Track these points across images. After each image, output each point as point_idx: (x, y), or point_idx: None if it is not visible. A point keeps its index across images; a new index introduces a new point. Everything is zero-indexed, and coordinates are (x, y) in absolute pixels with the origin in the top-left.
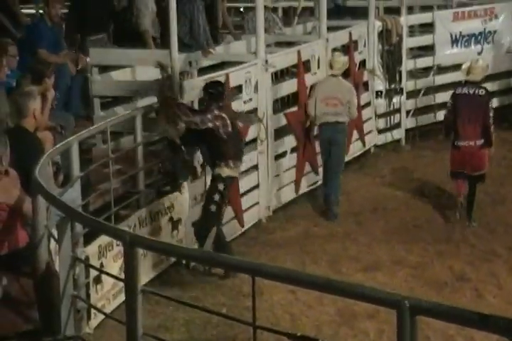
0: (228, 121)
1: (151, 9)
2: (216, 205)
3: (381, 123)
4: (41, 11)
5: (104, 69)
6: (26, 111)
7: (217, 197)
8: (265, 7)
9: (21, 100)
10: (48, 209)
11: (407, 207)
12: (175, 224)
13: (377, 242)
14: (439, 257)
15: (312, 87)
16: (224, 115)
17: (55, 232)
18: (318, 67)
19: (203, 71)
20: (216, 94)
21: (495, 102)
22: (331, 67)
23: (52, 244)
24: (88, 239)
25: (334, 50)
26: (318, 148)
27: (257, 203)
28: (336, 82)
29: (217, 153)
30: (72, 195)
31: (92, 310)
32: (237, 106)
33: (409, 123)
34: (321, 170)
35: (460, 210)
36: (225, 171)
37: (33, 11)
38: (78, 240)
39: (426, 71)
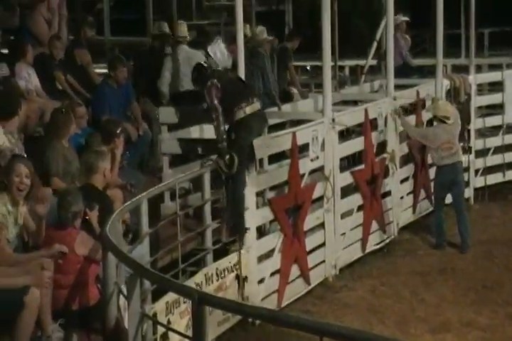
0: (218, 85)
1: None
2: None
3: None
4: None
5: (173, 127)
6: (96, 169)
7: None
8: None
9: (92, 159)
10: (117, 266)
11: (476, 267)
12: (241, 281)
13: (445, 303)
14: (509, 319)
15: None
16: (216, 86)
17: (124, 289)
18: (386, 125)
19: (271, 129)
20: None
21: None
22: (441, 115)
23: (122, 300)
24: (156, 294)
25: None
26: (384, 207)
27: (323, 261)
28: (449, 128)
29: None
30: (141, 252)
31: None
32: (303, 164)
33: (478, 182)
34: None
35: None
36: (237, 115)
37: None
38: (146, 297)
39: (495, 130)
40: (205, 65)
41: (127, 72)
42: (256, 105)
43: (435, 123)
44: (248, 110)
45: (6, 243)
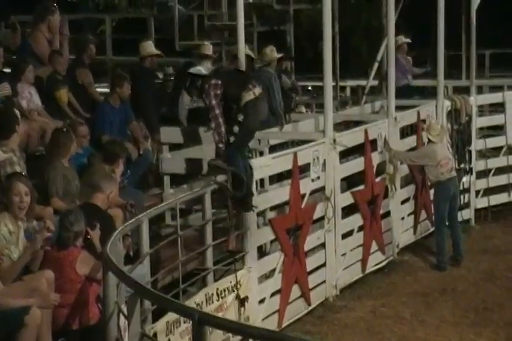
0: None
1: None
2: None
3: None
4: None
5: (174, 146)
6: (101, 189)
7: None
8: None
9: (100, 179)
10: (118, 286)
11: (476, 288)
12: (242, 301)
13: (446, 324)
14: None
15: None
16: (215, 85)
17: (124, 308)
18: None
19: (272, 149)
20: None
21: None
22: (429, 134)
23: (122, 320)
24: (156, 314)
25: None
26: (384, 227)
27: (324, 281)
28: (441, 146)
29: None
30: (142, 272)
31: None
32: (304, 184)
33: (479, 203)
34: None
35: None
36: (247, 97)
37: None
38: (147, 316)
39: (496, 151)
40: (198, 72)
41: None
42: (259, 88)
43: (428, 142)
44: (257, 91)
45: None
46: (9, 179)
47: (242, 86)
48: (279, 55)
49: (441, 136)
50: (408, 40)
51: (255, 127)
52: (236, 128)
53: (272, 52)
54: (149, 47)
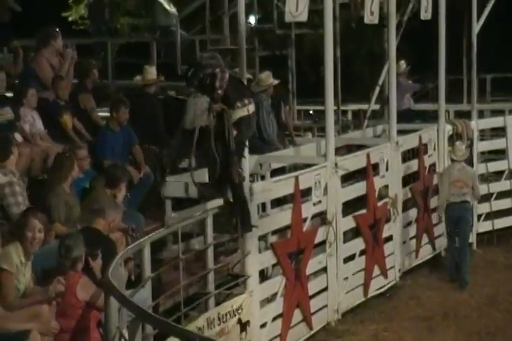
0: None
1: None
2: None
3: None
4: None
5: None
6: (104, 215)
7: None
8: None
9: (105, 204)
10: (119, 310)
11: (479, 313)
12: (243, 325)
13: None
14: None
15: (439, 175)
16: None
17: (126, 333)
18: (387, 169)
19: (273, 173)
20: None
21: None
22: (454, 154)
23: None
24: (158, 339)
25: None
26: (386, 251)
27: (326, 306)
28: (461, 167)
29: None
30: (143, 296)
31: None
32: (306, 208)
33: (481, 227)
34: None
35: None
36: (235, 114)
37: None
38: None
39: (498, 175)
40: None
41: (129, 113)
42: (253, 107)
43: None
44: (251, 109)
45: (12, 290)
46: (25, 214)
47: (240, 94)
48: (276, 82)
49: (465, 156)
50: (407, 68)
51: (245, 143)
52: (232, 145)
53: (268, 78)
54: (149, 74)
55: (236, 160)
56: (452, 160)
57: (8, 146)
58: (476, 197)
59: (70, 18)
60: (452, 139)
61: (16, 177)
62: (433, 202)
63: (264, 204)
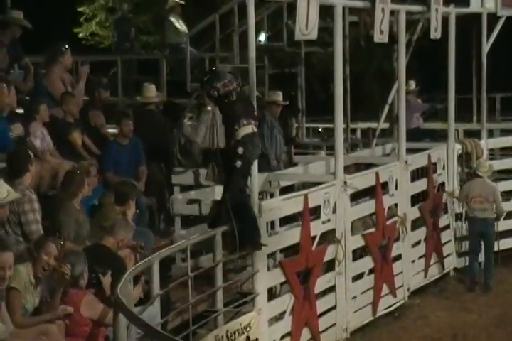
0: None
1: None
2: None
3: (461, 246)
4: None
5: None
6: (114, 234)
7: (239, 163)
8: None
9: (113, 223)
10: (128, 328)
11: (487, 334)
12: None
13: None
14: None
15: (462, 188)
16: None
17: None
18: (396, 188)
19: (282, 191)
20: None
21: None
22: (478, 170)
23: None
24: None
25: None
26: (395, 270)
27: (334, 324)
28: (482, 182)
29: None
30: (152, 313)
31: None
32: (315, 226)
33: None
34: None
35: None
36: (240, 131)
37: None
38: None
39: (508, 194)
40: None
41: (132, 125)
42: (249, 128)
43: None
44: (255, 128)
45: (19, 308)
46: (46, 238)
47: (247, 113)
48: (285, 103)
49: (489, 172)
50: (416, 88)
51: (251, 161)
52: (239, 163)
53: (275, 96)
54: (148, 91)
55: (239, 178)
56: (472, 175)
57: (26, 162)
58: (499, 212)
59: (80, 35)
60: (461, 158)
61: (34, 194)
62: (441, 221)
63: (273, 222)
